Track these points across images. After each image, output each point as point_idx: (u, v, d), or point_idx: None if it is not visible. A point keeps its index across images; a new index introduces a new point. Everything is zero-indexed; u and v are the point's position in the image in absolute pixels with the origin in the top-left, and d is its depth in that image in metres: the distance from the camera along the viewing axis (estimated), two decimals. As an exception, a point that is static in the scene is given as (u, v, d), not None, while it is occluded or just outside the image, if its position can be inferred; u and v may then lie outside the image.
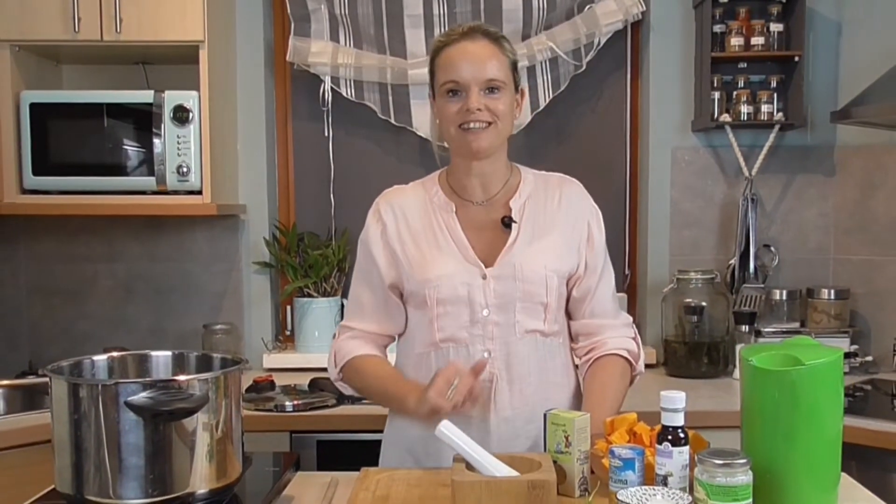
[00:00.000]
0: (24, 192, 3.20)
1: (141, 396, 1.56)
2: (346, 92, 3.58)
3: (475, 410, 2.01)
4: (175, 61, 3.39)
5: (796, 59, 3.39)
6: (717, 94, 3.45)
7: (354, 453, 2.64)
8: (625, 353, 2.16)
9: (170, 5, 3.12)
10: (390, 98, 3.58)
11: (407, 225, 2.14)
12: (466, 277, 2.06)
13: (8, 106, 3.16)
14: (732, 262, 3.50)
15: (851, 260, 3.56)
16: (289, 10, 3.55)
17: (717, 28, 3.44)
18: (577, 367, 2.23)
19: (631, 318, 2.27)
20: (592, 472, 1.82)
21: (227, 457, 1.69)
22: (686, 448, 1.68)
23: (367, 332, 2.18)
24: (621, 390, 2.14)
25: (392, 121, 3.60)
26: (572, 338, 2.22)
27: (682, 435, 1.68)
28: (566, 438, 1.79)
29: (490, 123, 2.03)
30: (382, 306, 2.16)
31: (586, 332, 2.19)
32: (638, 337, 2.22)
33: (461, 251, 2.09)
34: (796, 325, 3.46)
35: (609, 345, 2.16)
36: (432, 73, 2.10)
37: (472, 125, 2.02)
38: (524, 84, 3.44)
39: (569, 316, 2.20)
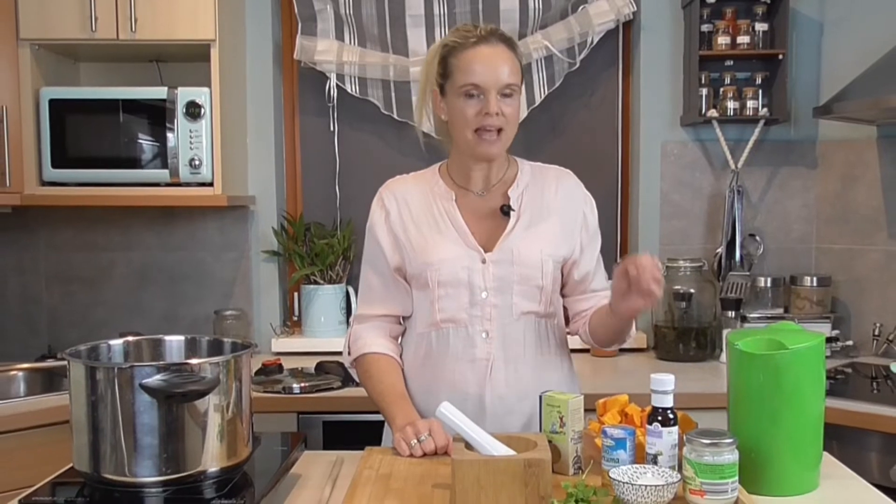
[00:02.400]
0: (44, 184, 3.20)
1: (155, 379, 1.56)
2: (351, 88, 3.57)
3: (471, 388, 2.06)
4: (188, 59, 3.38)
5: (780, 57, 3.39)
6: (704, 91, 3.44)
7: (359, 433, 2.63)
8: None
9: (183, 6, 3.11)
10: (393, 94, 3.57)
11: (409, 212, 2.15)
12: (466, 261, 2.07)
13: (28, 102, 3.16)
14: (719, 250, 3.50)
15: (833, 249, 3.55)
16: (296, 11, 3.54)
17: (705, 27, 3.43)
18: (570, 351, 2.23)
19: None
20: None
21: (238, 437, 1.68)
22: (675, 428, 1.68)
23: (378, 315, 2.19)
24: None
25: (395, 116, 3.59)
26: (568, 317, 2.22)
27: (671, 416, 1.68)
28: (561, 419, 1.79)
29: (501, 130, 2.03)
30: (390, 289, 2.17)
31: (582, 308, 2.19)
32: None
33: (461, 237, 2.09)
34: (780, 311, 3.46)
35: (604, 303, 2.14)
36: (446, 72, 2.06)
37: (487, 129, 2.01)
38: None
39: (564, 296, 2.20)
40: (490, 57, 2.02)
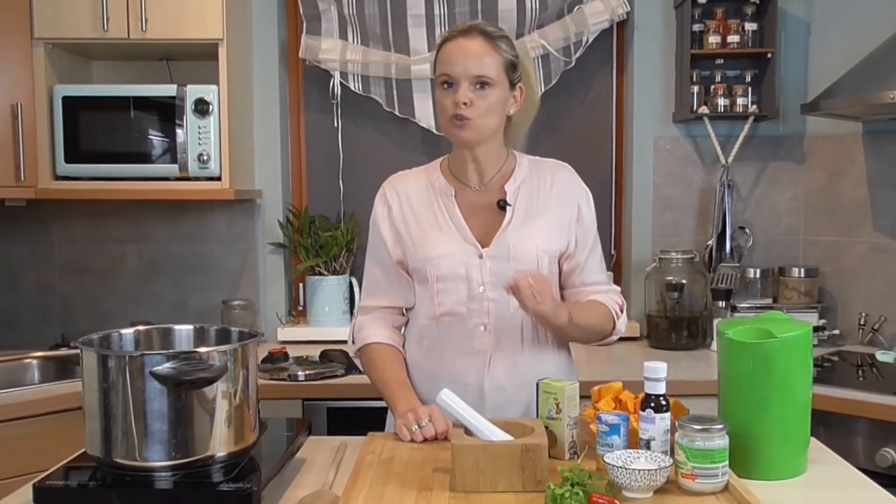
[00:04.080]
0: (57, 178, 3.19)
1: (165, 367, 1.56)
2: (354, 86, 3.57)
3: (471, 378, 2.06)
4: (196, 58, 3.37)
5: (769, 55, 3.38)
6: (695, 88, 3.43)
7: (362, 419, 2.63)
8: (607, 309, 2.15)
9: (192, 6, 3.11)
10: (395, 92, 3.56)
11: (410, 207, 2.13)
12: (464, 257, 2.06)
13: (42, 99, 3.15)
14: (710, 242, 3.50)
15: (820, 241, 3.55)
16: (301, 11, 3.53)
17: (696, 27, 3.42)
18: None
19: (619, 289, 2.25)
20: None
21: (245, 422, 1.68)
22: (667, 414, 1.67)
23: (381, 307, 2.19)
24: (595, 317, 2.11)
25: (396, 113, 3.58)
26: None
27: (663, 402, 1.67)
28: (557, 405, 1.78)
29: (469, 119, 2.00)
30: (393, 282, 2.17)
31: (577, 298, 2.17)
32: (624, 304, 2.20)
33: (460, 232, 2.08)
34: (769, 301, 3.46)
35: (595, 297, 2.15)
36: (434, 65, 2.09)
37: (459, 117, 2.00)
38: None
39: (563, 288, 2.19)
40: (464, 48, 2.01)
